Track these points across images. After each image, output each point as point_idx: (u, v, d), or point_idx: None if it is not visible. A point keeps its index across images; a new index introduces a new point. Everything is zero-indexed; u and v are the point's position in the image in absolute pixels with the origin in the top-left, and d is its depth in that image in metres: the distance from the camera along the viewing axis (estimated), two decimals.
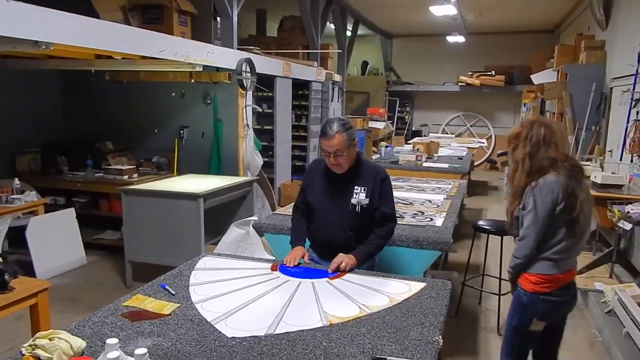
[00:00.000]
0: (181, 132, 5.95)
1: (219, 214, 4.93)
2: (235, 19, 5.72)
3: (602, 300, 4.26)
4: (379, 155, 7.34)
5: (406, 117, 14.11)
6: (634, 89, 4.91)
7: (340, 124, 2.58)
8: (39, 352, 1.55)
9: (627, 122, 4.91)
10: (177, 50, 4.60)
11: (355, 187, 2.67)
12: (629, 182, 4.89)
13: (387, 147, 6.95)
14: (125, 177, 5.48)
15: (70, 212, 5.20)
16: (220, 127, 5.76)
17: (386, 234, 2.73)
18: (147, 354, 1.38)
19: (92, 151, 6.01)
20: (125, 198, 4.48)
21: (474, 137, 12.47)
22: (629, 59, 5.07)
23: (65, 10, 3.48)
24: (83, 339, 1.69)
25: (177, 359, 1.65)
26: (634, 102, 4.92)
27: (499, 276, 4.35)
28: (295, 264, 2.56)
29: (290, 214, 2.98)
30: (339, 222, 2.68)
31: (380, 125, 10.41)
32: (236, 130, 5.69)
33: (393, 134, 12.19)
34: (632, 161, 4.76)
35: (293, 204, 2.99)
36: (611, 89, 6.23)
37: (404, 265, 3.07)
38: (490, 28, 12.06)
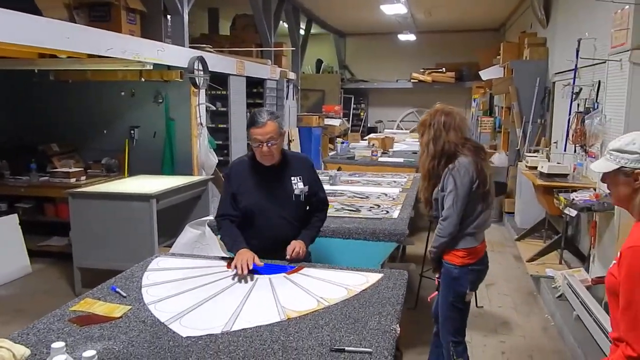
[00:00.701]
0: (132, 132, 5.78)
1: (173, 215, 4.81)
2: (186, 17, 5.60)
3: (553, 286, 4.43)
4: (335, 152, 7.36)
5: (361, 114, 14.25)
6: (574, 83, 5.10)
7: (269, 112, 2.58)
8: None
9: (569, 114, 5.10)
10: (126, 49, 4.46)
11: (292, 178, 2.66)
12: (573, 172, 5.09)
13: (342, 143, 6.99)
14: (73, 180, 5.26)
15: (13, 219, 4.97)
16: (172, 126, 5.63)
17: (324, 217, 2.85)
18: (96, 356, 1.31)
19: (35, 154, 5.71)
20: (72, 201, 4.31)
21: None
22: (568, 54, 5.28)
23: (5, 7, 3.31)
24: (27, 347, 1.60)
25: None
26: (574, 95, 5.11)
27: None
28: (250, 268, 2.32)
29: None
30: (285, 216, 2.64)
31: (336, 122, 10.46)
32: (189, 129, 5.58)
33: (349, 131, 12.27)
34: (575, 151, 4.95)
35: (215, 215, 2.78)
36: (554, 83, 6.48)
37: (362, 257, 3.07)
38: (439, 26, 12.33)
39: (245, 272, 2.30)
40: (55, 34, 3.76)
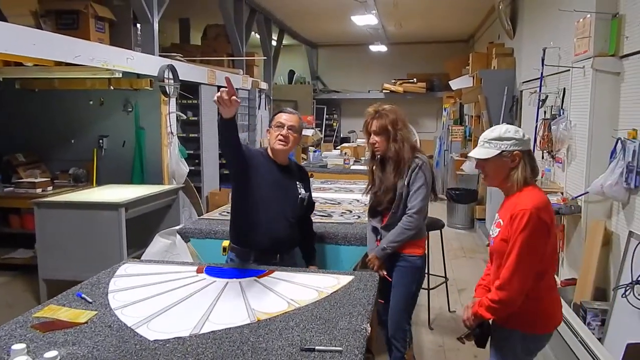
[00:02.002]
0: (100, 141, 5.68)
1: (143, 225, 4.72)
2: (156, 25, 5.56)
3: None
4: (307, 161, 7.38)
5: (334, 124, 14.32)
6: (540, 91, 5.22)
7: (294, 111, 2.75)
8: None
9: (537, 121, 5.21)
10: (94, 56, 4.39)
11: (297, 183, 2.75)
12: (542, 177, 5.18)
13: (315, 151, 7.01)
14: (39, 190, 5.13)
15: None
16: (142, 135, 5.56)
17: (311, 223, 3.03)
18: (59, 357, 1.28)
19: (0, 164, 5.58)
20: (38, 211, 4.20)
21: None
22: (534, 63, 5.42)
23: None
24: None
25: None
26: (541, 103, 5.24)
27: (427, 272, 4.49)
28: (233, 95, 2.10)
29: (217, 218, 2.87)
30: (287, 216, 2.68)
31: (308, 132, 10.46)
32: (160, 138, 5.51)
33: (322, 141, 12.31)
34: (543, 157, 5.05)
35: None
36: (521, 92, 6.63)
37: (334, 261, 3.09)
38: (410, 38, 12.51)
39: (229, 94, 2.10)
40: (21, 40, 3.68)
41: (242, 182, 2.59)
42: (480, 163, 2.11)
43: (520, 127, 6.56)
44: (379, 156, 2.81)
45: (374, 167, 2.86)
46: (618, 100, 3.64)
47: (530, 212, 1.94)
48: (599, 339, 3.15)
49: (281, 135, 2.59)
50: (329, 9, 8.88)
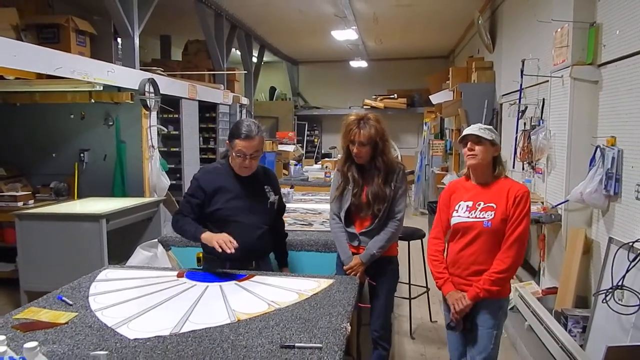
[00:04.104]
0: (81, 155, 5.65)
1: (125, 238, 4.70)
2: (136, 39, 5.60)
3: None
4: (289, 175, 7.43)
5: (315, 140, 14.39)
6: (520, 102, 5.30)
7: (256, 125, 2.58)
8: None
9: (516, 132, 5.27)
10: (75, 68, 4.41)
11: (265, 187, 2.73)
12: None
13: (296, 165, 7.06)
14: (20, 203, 5.10)
15: None
16: (123, 148, 5.56)
17: (284, 225, 3.06)
18: (39, 348, 1.30)
19: None
20: (19, 223, 4.16)
21: None
22: (514, 76, 5.49)
23: None
24: None
25: None
26: (520, 114, 5.31)
27: (408, 281, 4.54)
28: (235, 245, 2.32)
29: None
30: (258, 224, 2.67)
31: (290, 148, 10.54)
32: (140, 151, 5.52)
33: (303, 157, 12.37)
34: (523, 169, 5.11)
35: (176, 214, 2.69)
36: (501, 105, 6.69)
37: (315, 268, 3.10)
38: (391, 54, 12.71)
39: (233, 249, 2.31)
40: (1, 52, 3.70)
41: (208, 207, 2.60)
42: (474, 142, 2.38)
43: (500, 140, 6.72)
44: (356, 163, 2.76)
45: (346, 169, 2.79)
46: (597, 108, 3.68)
47: (529, 194, 2.38)
48: (581, 346, 3.19)
49: (244, 165, 2.56)
50: (310, 24, 9.00)
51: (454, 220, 2.46)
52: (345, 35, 8.63)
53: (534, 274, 5.01)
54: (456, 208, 2.45)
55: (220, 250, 2.31)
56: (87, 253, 4.08)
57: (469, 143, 2.40)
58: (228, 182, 2.62)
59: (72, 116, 5.68)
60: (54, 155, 5.80)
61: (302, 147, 13.15)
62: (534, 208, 4.36)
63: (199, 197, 2.60)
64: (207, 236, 2.43)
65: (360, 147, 2.67)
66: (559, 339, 3.23)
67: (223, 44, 8.24)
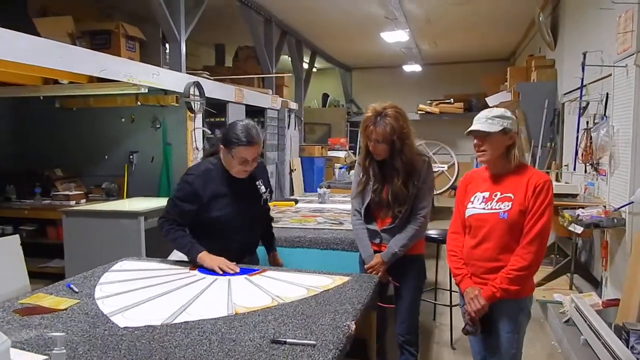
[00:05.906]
0: (131, 157, 5.87)
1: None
2: (183, 44, 5.74)
3: (560, 311, 4.18)
4: (334, 178, 7.37)
5: None
6: (580, 98, 4.97)
7: (256, 129, 2.51)
8: None
9: (577, 131, 4.95)
10: (120, 71, 4.58)
11: (257, 182, 2.67)
12: (584, 193, 4.87)
13: (341, 168, 6.97)
14: (72, 202, 5.36)
15: (15, 240, 4.98)
16: (169, 150, 5.71)
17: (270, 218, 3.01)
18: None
19: (41, 179, 5.90)
20: (65, 220, 4.37)
21: (436, 163, 12.70)
22: (576, 72, 5.15)
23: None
24: None
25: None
26: (582, 111, 4.97)
27: (449, 288, 4.32)
28: (237, 270, 2.36)
29: None
30: (252, 222, 2.65)
31: (341, 154, 10.49)
32: (185, 153, 5.64)
33: (355, 163, 12.25)
34: (586, 171, 4.78)
35: (162, 218, 2.58)
36: (563, 104, 6.31)
37: (340, 267, 2.98)
38: (447, 58, 12.38)
39: (235, 270, 2.36)
40: (49, 54, 3.89)
41: (204, 213, 2.52)
42: (481, 138, 2.20)
43: (562, 141, 6.33)
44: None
45: (367, 163, 2.69)
46: None
47: (550, 183, 2.17)
48: None
49: (246, 169, 2.50)
50: (359, 25, 8.86)
51: (468, 212, 2.29)
52: (395, 37, 8.45)
53: (596, 285, 4.65)
54: (472, 199, 2.28)
55: (221, 273, 2.35)
56: (126, 249, 4.17)
57: (475, 139, 2.22)
58: (223, 185, 2.52)
59: (123, 120, 5.91)
60: (106, 157, 6.06)
61: (354, 153, 13.06)
62: (594, 211, 4.09)
63: (193, 204, 2.49)
64: (206, 258, 2.41)
65: (376, 144, 2.56)
66: (618, 356, 2.93)
67: (272, 50, 8.31)
